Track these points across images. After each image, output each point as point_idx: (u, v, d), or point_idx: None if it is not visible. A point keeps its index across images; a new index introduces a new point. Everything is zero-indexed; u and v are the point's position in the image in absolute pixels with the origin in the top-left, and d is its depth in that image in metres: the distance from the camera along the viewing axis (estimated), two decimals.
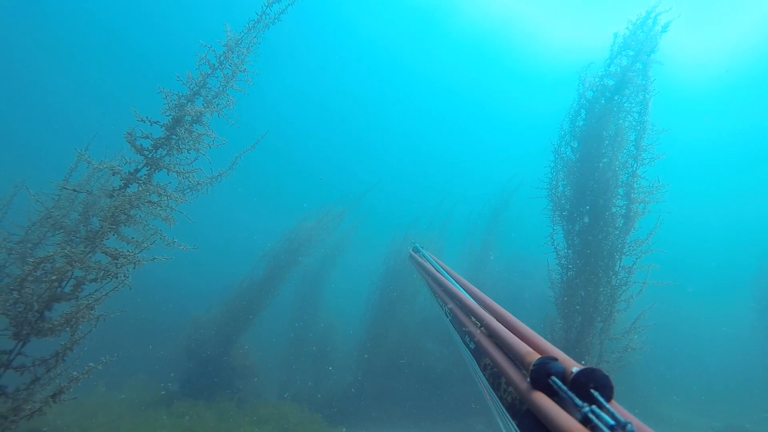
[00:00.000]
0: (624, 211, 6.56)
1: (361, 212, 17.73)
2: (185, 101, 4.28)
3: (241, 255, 16.60)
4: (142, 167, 4.13)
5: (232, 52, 4.43)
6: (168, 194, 4.10)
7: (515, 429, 1.16)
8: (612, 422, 0.86)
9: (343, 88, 44.83)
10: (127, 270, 3.85)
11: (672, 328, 17.97)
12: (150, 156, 4.14)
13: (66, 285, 3.73)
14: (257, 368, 12.16)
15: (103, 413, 8.36)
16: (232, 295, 12.48)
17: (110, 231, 3.78)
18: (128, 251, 3.89)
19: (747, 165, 40.77)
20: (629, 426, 0.84)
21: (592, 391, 0.99)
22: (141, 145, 4.07)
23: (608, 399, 0.98)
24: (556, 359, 1.10)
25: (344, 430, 10.33)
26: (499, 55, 38.33)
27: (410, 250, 3.77)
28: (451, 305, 2.14)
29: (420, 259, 3.34)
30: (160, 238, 4.06)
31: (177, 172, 4.23)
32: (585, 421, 0.90)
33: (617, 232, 6.54)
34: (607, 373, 1.00)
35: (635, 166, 6.53)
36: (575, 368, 1.04)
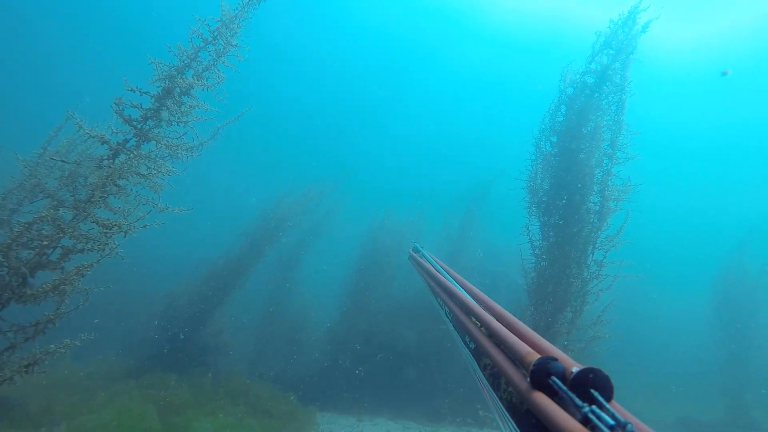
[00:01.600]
0: (598, 207, 6.80)
1: (341, 195, 17.72)
2: (176, 73, 4.23)
3: (219, 231, 16.44)
4: (131, 138, 4.08)
5: (226, 28, 4.39)
6: (158, 166, 4.07)
7: (515, 429, 1.17)
8: (612, 422, 0.86)
9: (333, 71, 44.15)
10: (117, 240, 3.84)
11: (637, 320, 18.70)
12: (139, 127, 4.10)
13: (52, 253, 3.69)
14: (230, 345, 12.18)
15: (70, 386, 8.29)
16: (208, 271, 12.40)
17: (100, 201, 3.76)
18: (120, 220, 3.87)
19: (724, 161, 42.09)
20: (629, 426, 0.85)
21: (592, 391, 1.00)
22: (130, 115, 4.02)
23: (608, 399, 0.99)
24: (556, 359, 1.11)
25: (316, 409, 10.45)
26: (483, 41, 38.22)
27: (410, 250, 3.75)
28: (451, 305, 2.14)
29: (420, 259, 3.32)
30: (153, 206, 4.05)
31: (166, 144, 4.20)
32: (585, 421, 0.91)
33: (590, 227, 6.77)
34: (607, 374, 1.01)
35: (610, 164, 6.76)
36: (575, 368, 1.05)
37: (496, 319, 1.57)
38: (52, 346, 3.67)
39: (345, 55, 43.01)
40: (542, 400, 1.04)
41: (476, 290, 2.07)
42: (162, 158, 4.29)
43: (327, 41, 41.90)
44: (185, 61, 4.36)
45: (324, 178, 16.30)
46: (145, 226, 4.04)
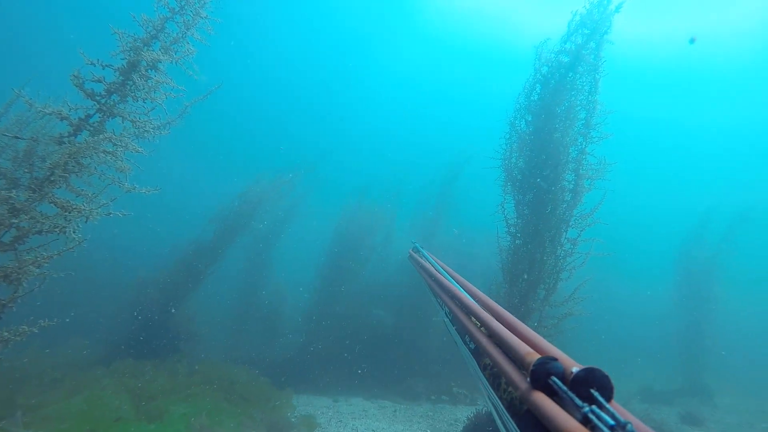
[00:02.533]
0: (572, 185, 6.89)
1: (314, 179, 17.52)
2: (141, 45, 4.00)
3: (191, 216, 16.06)
4: (94, 113, 3.84)
5: None
6: (125, 144, 3.85)
7: (515, 429, 1.17)
8: (612, 422, 0.86)
9: (303, 56, 43.24)
10: (78, 224, 3.62)
11: (607, 298, 19.42)
12: (103, 102, 3.86)
13: (5, 234, 3.46)
14: (203, 332, 12.00)
15: (35, 375, 7.98)
16: (180, 256, 12.12)
17: (61, 180, 3.53)
18: (81, 204, 3.64)
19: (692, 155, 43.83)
20: (629, 426, 0.85)
21: (592, 391, 1.00)
22: (92, 89, 3.77)
23: (608, 399, 1.00)
24: (556, 359, 1.11)
25: (292, 392, 10.44)
26: (457, 32, 38.13)
27: (410, 250, 3.70)
28: (451, 305, 2.13)
29: (420, 259, 3.30)
30: (119, 186, 3.83)
31: (132, 120, 3.97)
32: (585, 421, 0.91)
33: (565, 205, 6.87)
34: (607, 374, 1.02)
35: (584, 143, 6.84)
36: (575, 368, 1.05)
37: (496, 319, 1.57)
38: (6, 333, 3.46)
39: (313, 41, 42.15)
40: (542, 400, 1.04)
41: (476, 290, 2.07)
42: (128, 136, 4.08)
43: (294, 29, 40.92)
44: (151, 33, 4.13)
45: (297, 164, 16.03)
46: (109, 213, 3.84)
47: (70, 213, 3.58)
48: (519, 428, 1.16)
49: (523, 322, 5.24)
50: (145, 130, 4.20)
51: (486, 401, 1.48)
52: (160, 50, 4.19)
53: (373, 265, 14.94)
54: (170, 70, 4.35)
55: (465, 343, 1.82)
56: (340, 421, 9.19)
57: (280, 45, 41.97)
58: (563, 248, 6.86)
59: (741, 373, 18.51)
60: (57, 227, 3.55)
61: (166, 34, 4.24)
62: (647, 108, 40.56)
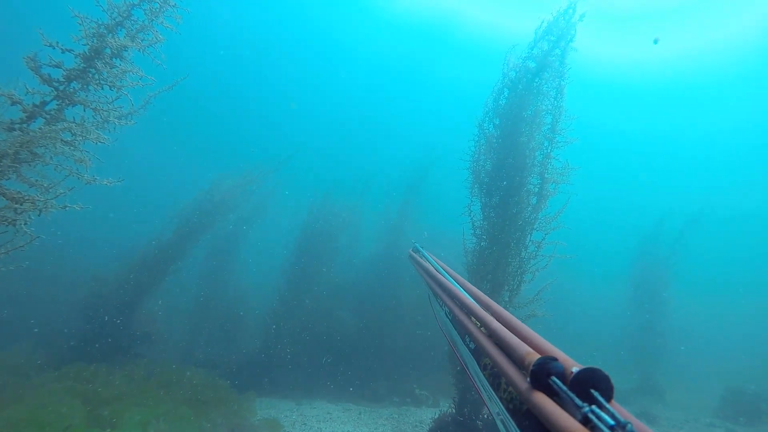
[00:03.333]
0: (537, 189, 7.04)
1: (281, 177, 17.23)
2: (106, 31, 3.79)
3: (152, 213, 15.50)
4: (51, 100, 3.60)
5: None
6: (85, 133, 3.62)
7: (515, 429, 1.17)
8: (612, 422, 0.87)
9: (273, 52, 42.58)
10: (30, 217, 3.38)
11: (568, 300, 20.02)
12: (62, 89, 3.62)
13: None
14: (162, 332, 11.60)
15: None
16: (138, 255, 11.63)
17: (10, 170, 3.28)
18: (35, 195, 3.40)
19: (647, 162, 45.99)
20: (629, 426, 0.85)
21: (592, 391, 1.01)
22: (49, 74, 3.54)
23: (608, 399, 1.00)
24: (556, 359, 1.11)
25: (254, 395, 10.23)
26: (429, 28, 38.44)
27: (410, 250, 3.66)
28: (451, 305, 2.13)
29: (420, 259, 3.29)
30: (78, 178, 3.60)
31: (95, 109, 3.75)
32: (585, 421, 0.91)
33: (530, 208, 7.02)
34: (607, 374, 1.02)
35: (549, 147, 7.00)
36: (575, 368, 1.05)
37: (496, 319, 1.57)
38: None
39: (286, 37, 41.63)
40: (542, 400, 1.04)
41: (476, 290, 2.06)
42: (90, 125, 3.87)
43: (265, 25, 40.28)
44: (117, 19, 3.95)
45: (263, 161, 15.71)
46: (65, 206, 3.62)
47: (21, 205, 3.35)
48: (519, 428, 1.16)
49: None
50: (108, 120, 4.00)
51: (485, 404, 1.50)
52: (126, 38, 4.01)
53: (338, 266, 14.83)
54: (139, 58, 4.16)
55: (465, 343, 1.82)
56: (305, 424, 9.07)
57: (252, 39, 41.22)
58: (527, 250, 6.99)
59: (688, 369, 19.48)
60: (6, 220, 3.32)
61: (132, 21, 4.07)
62: (610, 116, 42.57)
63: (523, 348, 1.24)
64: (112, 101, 4.05)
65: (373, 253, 16.42)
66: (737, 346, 26.11)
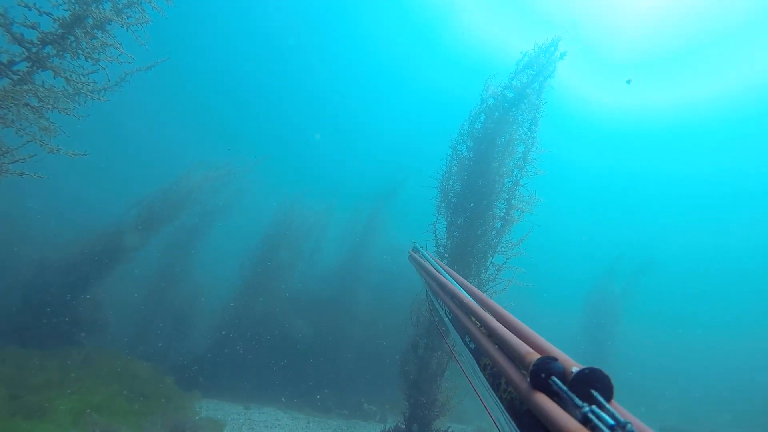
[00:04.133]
0: (503, 214, 7.20)
1: (250, 178, 16.99)
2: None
3: (113, 198, 14.96)
4: (21, 61, 3.46)
5: None
6: (53, 101, 3.47)
7: (515, 429, 1.17)
8: (612, 422, 0.87)
9: (249, 53, 42.21)
10: None
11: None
12: (34, 51, 3.48)
13: None
14: (109, 321, 11.10)
15: None
16: (93, 238, 11.16)
17: None
18: None
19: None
20: (629, 426, 0.85)
21: (592, 391, 1.00)
22: (21, 34, 3.40)
23: (608, 399, 1.00)
24: (556, 359, 1.11)
25: (199, 394, 9.95)
26: (416, 31, 38.95)
27: (410, 250, 3.63)
28: (451, 305, 2.12)
29: (420, 259, 3.28)
30: (41, 145, 3.45)
31: (66, 78, 3.62)
32: (585, 421, 0.91)
33: (494, 231, 7.16)
34: (607, 374, 1.02)
35: (519, 175, 7.20)
36: (575, 368, 1.05)
37: (496, 319, 1.57)
38: None
39: (266, 39, 41.31)
40: (542, 400, 1.04)
41: (476, 290, 2.06)
42: (60, 94, 3.73)
43: (246, 21, 40.00)
44: None
45: (237, 158, 15.49)
46: (22, 173, 3.47)
47: None
48: (519, 428, 1.15)
49: (441, 341, 5.32)
50: (81, 92, 3.87)
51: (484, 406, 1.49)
52: (111, 11, 3.88)
53: (299, 273, 14.70)
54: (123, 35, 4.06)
55: (465, 343, 1.80)
56: (252, 428, 8.89)
57: (233, 37, 40.76)
58: (487, 272, 7.11)
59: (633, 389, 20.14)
60: None
61: None
62: (584, 154, 44.42)
63: (522, 348, 1.25)
64: (88, 74, 3.93)
65: (335, 263, 16.36)
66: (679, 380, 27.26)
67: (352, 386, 12.45)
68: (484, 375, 1.50)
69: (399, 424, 7.44)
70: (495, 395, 1.37)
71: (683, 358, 33.11)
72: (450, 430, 7.52)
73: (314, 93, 45.91)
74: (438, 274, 2.67)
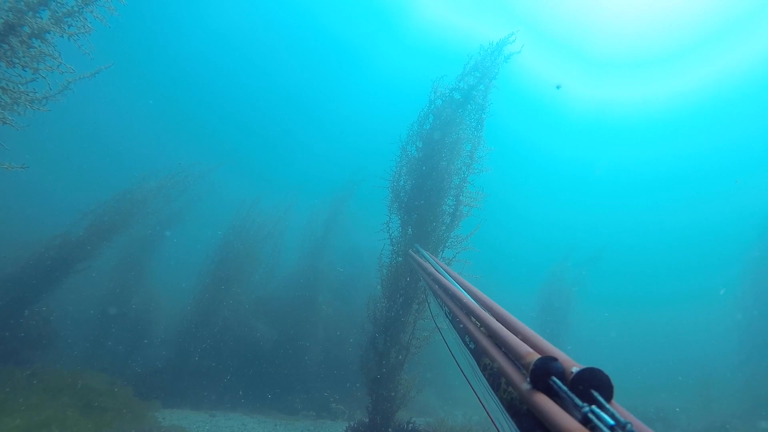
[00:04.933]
0: (452, 210, 7.49)
1: (205, 185, 16.72)
2: (25, 8, 3.64)
3: (61, 208, 14.42)
4: None
5: None
6: None
7: (515, 429, 1.17)
8: (612, 422, 0.87)
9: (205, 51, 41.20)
10: None
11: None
12: None
13: None
14: (60, 334, 10.72)
15: None
16: (38, 249, 10.75)
17: None
18: None
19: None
20: (629, 426, 0.85)
21: (593, 391, 1.01)
22: None
23: (608, 399, 1.00)
24: (556, 359, 1.12)
25: (159, 404, 9.78)
26: (373, 14, 39.06)
27: (410, 251, 3.58)
28: (451, 305, 2.13)
29: (420, 259, 3.33)
30: None
31: (2, 88, 3.59)
32: (585, 421, 0.92)
33: (444, 227, 7.43)
34: (607, 374, 1.02)
35: (466, 173, 7.51)
36: (575, 368, 1.06)
37: (497, 319, 1.58)
38: None
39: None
40: (542, 400, 1.05)
41: (476, 290, 2.06)
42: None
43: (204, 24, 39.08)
44: None
45: (191, 165, 15.22)
46: None
47: None
48: (519, 428, 1.15)
49: (398, 335, 5.57)
50: (19, 102, 3.83)
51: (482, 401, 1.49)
52: (49, 20, 3.84)
53: (258, 277, 14.62)
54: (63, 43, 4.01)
55: (465, 343, 1.79)
56: None
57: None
58: None
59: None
60: None
61: (59, 4, 3.91)
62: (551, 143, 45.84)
63: (522, 348, 1.25)
64: (26, 82, 3.89)
65: (296, 266, 16.36)
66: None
67: (320, 387, 12.51)
68: (484, 375, 1.50)
69: (363, 419, 7.62)
70: (495, 395, 1.37)
71: (632, 334, 34.92)
72: (412, 421, 7.77)
73: (275, 85, 45.06)
74: (438, 274, 2.69)
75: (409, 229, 7.38)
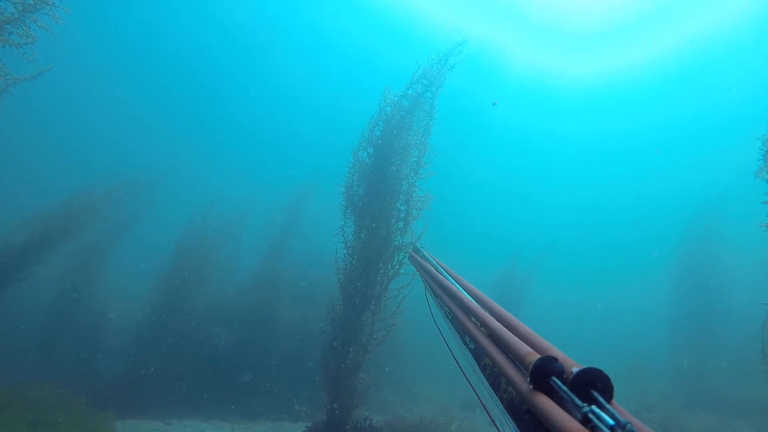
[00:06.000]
0: (403, 214, 7.82)
1: (158, 190, 16.36)
2: None
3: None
4: None
5: None
6: None
7: (515, 429, 1.17)
8: (612, 422, 0.87)
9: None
10: None
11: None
12: None
13: None
14: (6, 346, 10.30)
15: None
16: None
17: None
18: None
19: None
20: (629, 426, 0.85)
21: (593, 391, 1.01)
22: None
23: (608, 399, 1.01)
24: (556, 359, 1.12)
25: (114, 415, 9.59)
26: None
27: (410, 250, 3.53)
28: (451, 305, 2.12)
29: (420, 259, 3.27)
30: None
31: None
32: (585, 421, 0.92)
33: (397, 231, 7.74)
34: (607, 374, 1.03)
35: (414, 178, 7.86)
36: (575, 368, 1.06)
37: (497, 319, 1.59)
38: None
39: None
40: (542, 400, 1.05)
41: (476, 290, 2.07)
42: None
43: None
44: None
45: (141, 171, 14.87)
46: None
47: None
48: (519, 428, 1.15)
49: (356, 335, 5.87)
50: None
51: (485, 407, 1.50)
52: None
53: (216, 282, 14.50)
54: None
55: (465, 343, 1.80)
56: None
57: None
58: (394, 269, 7.70)
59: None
60: None
61: None
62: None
63: (523, 348, 1.25)
64: None
65: (254, 268, 16.27)
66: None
67: (283, 389, 12.56)
68: (484, 375, 1.51)
69: (322, 417, 7.83)
70: (495, 395, 1.37)
71: (584, 312, 36.28)
72: (368, 418, 8.05)
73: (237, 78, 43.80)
74: (438, 274, 2.66)
75: (363, 234, 7.65)
